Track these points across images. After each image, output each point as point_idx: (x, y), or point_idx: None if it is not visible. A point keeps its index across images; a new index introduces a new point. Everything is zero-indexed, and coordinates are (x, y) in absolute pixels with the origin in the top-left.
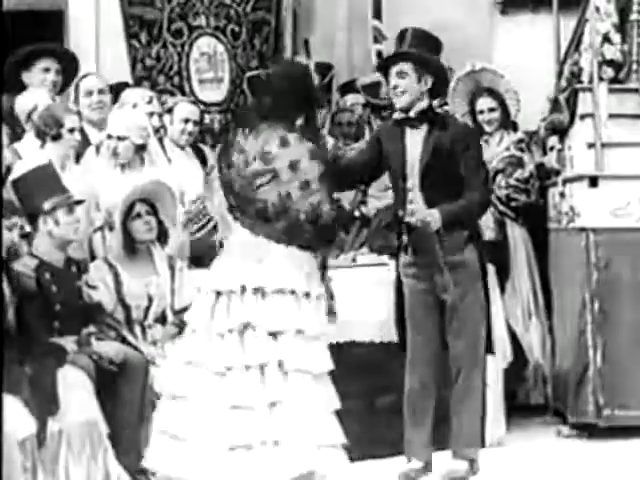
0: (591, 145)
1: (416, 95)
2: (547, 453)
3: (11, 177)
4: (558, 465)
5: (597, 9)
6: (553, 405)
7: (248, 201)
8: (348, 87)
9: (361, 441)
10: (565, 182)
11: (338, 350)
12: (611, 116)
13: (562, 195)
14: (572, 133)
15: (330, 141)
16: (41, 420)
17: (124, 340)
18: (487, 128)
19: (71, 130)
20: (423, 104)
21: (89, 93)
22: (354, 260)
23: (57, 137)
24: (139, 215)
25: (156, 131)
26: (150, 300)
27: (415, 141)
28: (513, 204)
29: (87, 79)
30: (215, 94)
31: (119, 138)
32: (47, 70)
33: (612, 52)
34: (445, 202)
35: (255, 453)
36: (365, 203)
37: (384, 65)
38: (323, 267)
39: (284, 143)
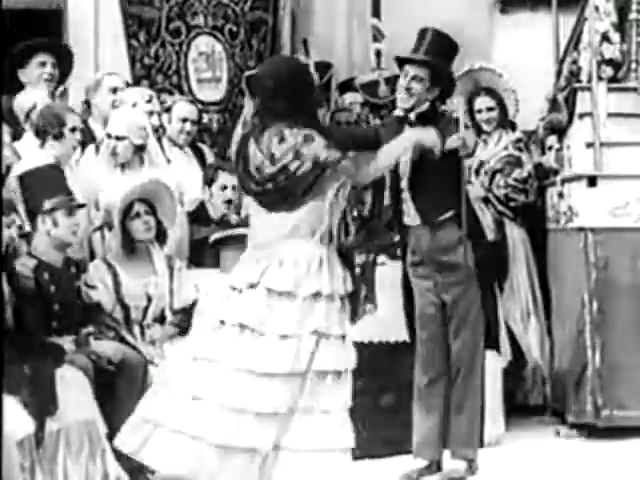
0: (590, 144)
1: (422, 99)
2: (546, 453)
3: (16, 173)
4: (557, 465)
5: (596, 8)
6: (552, 405)
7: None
8: (347, 86)
9: (361, 441)
10: (564, 182)
11: None
12: (610, 115)
13: (561, 195)
14: (571, 132)
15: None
16: (39, 420)
17: (123, 340)
18: (485, 127)
19: (73, 129)
20: (424, 107)
21: (113, 91)
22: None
23: (59, 136)
24: (138, 215)
25: (155, 130)
26: (149, 300)
27: None
28: (511, 204)
29: (111, 78)
30: (213, 93)
31: (118, 138)
32: (43, 64)
33: (611, 51)
34: (431, 205)
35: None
36: (363, 203)
37: (401, 61)
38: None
39: (282, 140)
